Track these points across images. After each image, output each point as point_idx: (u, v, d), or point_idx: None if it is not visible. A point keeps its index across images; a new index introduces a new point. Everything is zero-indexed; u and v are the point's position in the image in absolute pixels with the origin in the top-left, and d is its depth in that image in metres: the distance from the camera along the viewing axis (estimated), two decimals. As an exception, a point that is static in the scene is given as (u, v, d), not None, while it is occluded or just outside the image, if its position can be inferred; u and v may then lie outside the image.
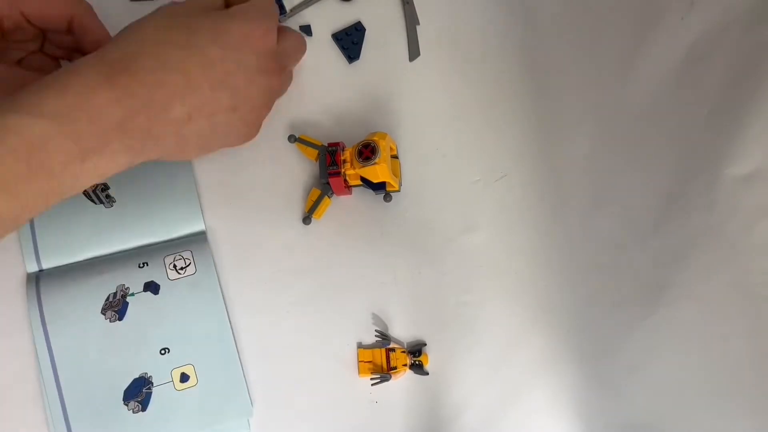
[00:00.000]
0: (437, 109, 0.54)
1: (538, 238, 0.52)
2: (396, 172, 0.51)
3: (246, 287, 0.50)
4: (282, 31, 0.46)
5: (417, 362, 0.49)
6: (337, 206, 0.51)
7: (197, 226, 0.50)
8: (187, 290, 0.48)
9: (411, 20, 0.55)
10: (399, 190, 0.52)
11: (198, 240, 0.49)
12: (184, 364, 0.47)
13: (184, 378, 0.47)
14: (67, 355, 0.46)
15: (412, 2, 0.56)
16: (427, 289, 0.51)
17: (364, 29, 0.55)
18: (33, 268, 0.48)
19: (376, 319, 0.50)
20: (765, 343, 0.46)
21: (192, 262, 0.49)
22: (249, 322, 0.49)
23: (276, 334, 0.50)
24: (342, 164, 0.48)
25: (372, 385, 0.48)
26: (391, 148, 0.50)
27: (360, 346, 0.50)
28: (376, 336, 0.50)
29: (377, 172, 0.47)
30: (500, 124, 0.54)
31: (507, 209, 0.53)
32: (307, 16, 0.55)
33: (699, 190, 0.49)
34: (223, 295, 0.49)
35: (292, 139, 0.51)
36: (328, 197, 0.50)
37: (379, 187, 0.49)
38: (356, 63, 0.54)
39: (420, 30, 0.55)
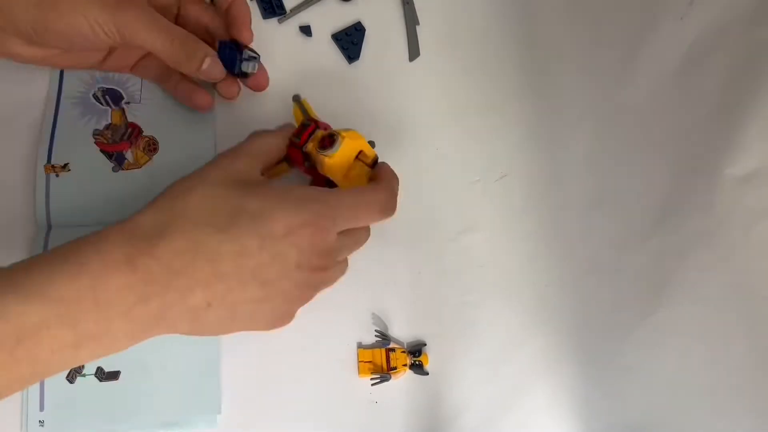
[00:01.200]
0: (437, 109, 0.54)
1: (538, 238, 0.52)
2: (355, 179, 0.46)
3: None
4: (349, 228, 0.42)
5: (417, 362, 0.49)
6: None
7: None
8: None
9: (411, 20, 0.56)
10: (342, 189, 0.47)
11: None
12: (160, 349, 0.46)
13: (157, 364, 0.46)
14: None
15: (412, 2, 0.56)
16: (427, 289, 0.51)
17: (364, 29, 0.55)
18: None
19: (376, 319, 0.50)
20: (765, 343, 0.46)
21: None
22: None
23: (275, 333, 0.49)
24: (307, 141, 0.45)
25: (372, 385, 0.48)
26: (363, 153, 0.46)
27: (360, 346, 0.50)
28: (375, 336, 0.50)
29: (325, 164, 0.44)
30: (500, 124, 0.54)
31: (507, 209, 0.53)
32: (307, 16, 0.55)
33: (699, 190, 0.49)
34: None
35: (296, 98, 0.50)
36: (287, 163, 0.47)
37: (329, 183, 0.46)
38: (356, 63, 0.54)
39: (420, 30, 0.55)
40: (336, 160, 0.44)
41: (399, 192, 0.50)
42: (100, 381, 0.45)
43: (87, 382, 0.45)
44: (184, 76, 0.50)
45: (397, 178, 0.46)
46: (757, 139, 0.48)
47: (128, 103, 0.51)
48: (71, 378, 0.45)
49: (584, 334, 0.51)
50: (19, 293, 0.31)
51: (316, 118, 0.48)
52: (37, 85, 0.51)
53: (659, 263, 0.50)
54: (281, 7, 0.54)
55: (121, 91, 0.51)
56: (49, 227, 0.47)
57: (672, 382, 0.48)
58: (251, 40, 0.49)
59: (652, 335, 0.49)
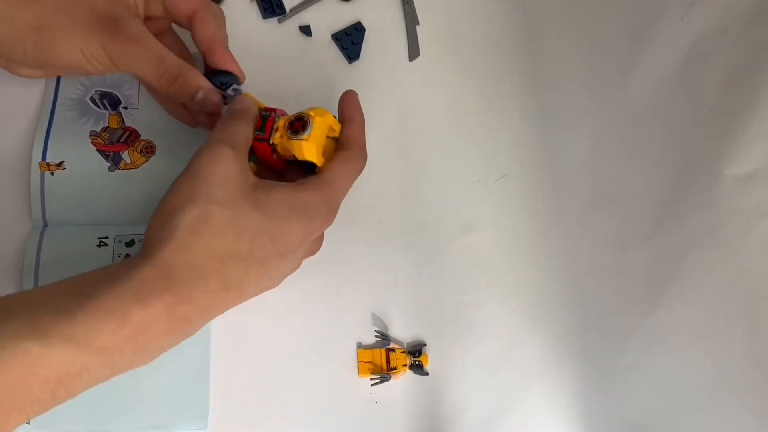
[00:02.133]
0: (437, 109, 0.54)
1: (538, 237, 0.52)
2: (328, 155, 0.44)
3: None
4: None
5: (417, 362, 0.49)
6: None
7: None
8: None
9: (411, 20, 0.56)
10: (321, 167, 0.44)
11: None
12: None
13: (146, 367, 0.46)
14: None
15: (412, 2, 0.56)
16: (427, 289, 0.51)
17: (364, 29, 0.55)
18: None
19: (376, 319, 0.50)
20: (765, 343, 0.46)
21: None
22: (246, 321, 0.49)
23: (276, 334, 0.50)
24: (272, 132, 0.43)
25: (372, 385, 0.48)
26: (331, 128, 0.44)
27: (360, 346, 0.50)
28: (375, 336, 0.50)
29: (303, 149, 0.42)
30: (500, 124, 0.54)
31: (507, 209, 0.53)
32: (307, 16, 0.55)
33: (699, 190, 0.49)
34: None
35: (235, 92, 0.46)
36: (252, 163, 0.44)
37: (308, 166, 0.44)
38: (356, 63, 0.54)
39: (420, 30, 0.55)
40: (312, 142, 0.42)
41: (398, 190, 0.50)
42: None
43: None
44: None
45: (360, 123, 0.46)
46: (757, 139, 0.48)
47: (125, 108, 0.51)
48: None
49: (584, 334, 0.51)
50: (65, 340, 0.33)
51: (268, 107, 0.45)
52: (34, 86, 0.51)
53: (659, 263, 0.50)
54: (281, 7, 0.54)
55: (118, 95, 0.51)
56: (45, 225, 0.47)
57: (672, 382, 0.48)
58: (229, 63, 0.47)
59: (652, 335, 0.49)
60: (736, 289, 0.47)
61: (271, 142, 0.43)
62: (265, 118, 0.44)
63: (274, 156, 0.44)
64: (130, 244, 0.48)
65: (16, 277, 0.47)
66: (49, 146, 0.49)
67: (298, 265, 0.45)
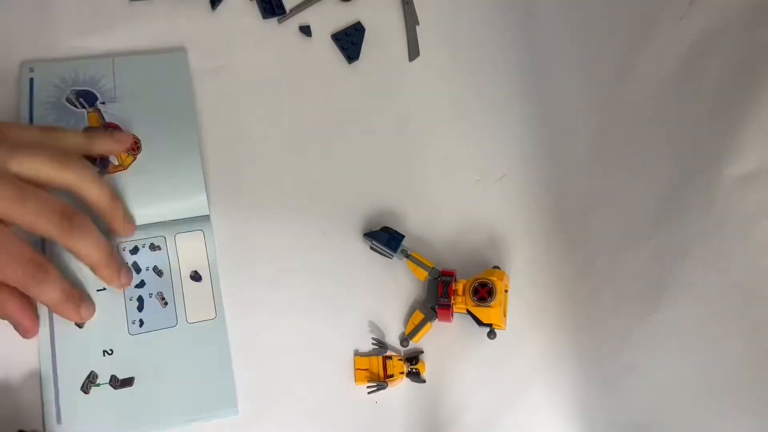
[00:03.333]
0: (437, 109, 0.54)
1: (538, 237, 0.52)
2: (505, 310, 0.48)
3: (245, 286, 0.50)
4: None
5: (414, 370, 0.49)
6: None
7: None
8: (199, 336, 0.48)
9: (411, 20, 0.56)
10: (505, 329, 0.49)
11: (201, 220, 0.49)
12: (171, 353, 0.46)
13: (169, 366, 0.46)
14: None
15: (412, 2, 0.56)
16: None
17: (364, 29, 0.55)
18: None
19: (373, 326, 0.50)
20: (765, 343, 0.46)
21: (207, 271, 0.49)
22: (245, 322, 0.49)
23: (275, 334, 0.49)
24: (453, 295, 0.47)
25: (368, 393, 0.48)
26: (505, 286, 0.48)
27: (356, 353, 0.50)
28: (372, 343, 0.50)
29: (490, 314, 0.47)
30: (500, 123, 0.54)
31: (507, 209, 0.53)
32: (307, 16, 0.55)
33: (699, 189, 0.49)
34: (220, 285, 0.49)
35: (404, 254, 0.49)
36: (431, 323, 0.49)
37: (486, 323, 0.48)
38: (356, 63, 0.54)
39: (420, 30, 0.55)
40: (498, 307, 0.46)
41: (398, 190, 0.50)
42: (115, 389, 0.45)
43: (102, 392, 0.45)
44: None
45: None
46: (757, 139, 0.48)
47: (103, 103, 0.50)
48: (86, 389, 0.45)
49: (584, 334, 0.51)
50: None
51: (445, 270, 0.49)
52: (6, 94, 0.49)
53: (659, 263, 0.50)
54: (281, 7, 0.54)
55: (94, 91, 0.50)
56: (42, 241, 0.47)
57: (672, 382, 0.48)
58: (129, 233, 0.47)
59: (652, 335, 0.49)
60: (736, 289, 0.47)
61: (454, 310, 0.48)
62: (447, 283, 0.47)
63: (450, 314, 0.48)
64: (135, 251, 0.48)
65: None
66: None
67: None
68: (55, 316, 0.45)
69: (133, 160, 0.49)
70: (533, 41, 0.55)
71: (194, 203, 0.49)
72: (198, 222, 0.49)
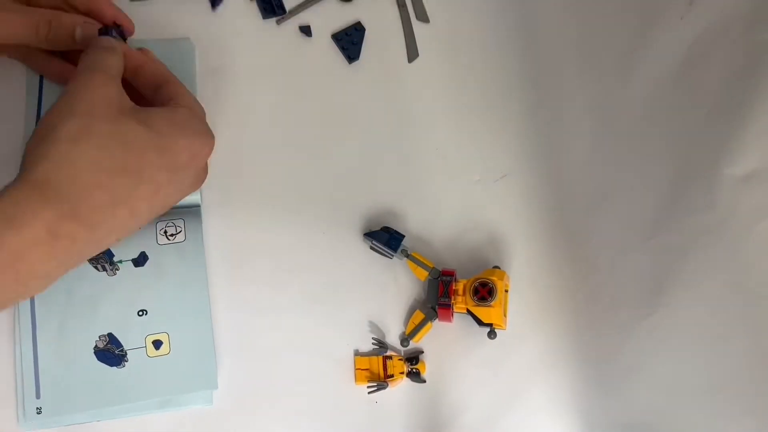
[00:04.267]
0: (437, 110, 0.54)
1: (538, 237, 0.52)
2: (505, 310, 0.48)
3: (242, 286, 0.50)
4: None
5: (414, 370, 0.49)
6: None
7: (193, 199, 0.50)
8: (173, 257, 0.48)
9: (407, 22, 0.55)
10: (505, 329, 0.49)
11: (192, 212, 0.50)
12: (159, 332, 0.47)
13: (157, 345, 0.47)
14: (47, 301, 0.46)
15: (406, 6, 0.55)
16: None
17: (364, 29, 0.55)
18: None
19: (373, 326, 0.50)
20: (765, 343, 0.46)
21: (183, 231, 0.49)
22: (244, 322, 0.49)
23: (275, 333, 0.50)
24: (453, 295, 0.48)
25: (369, 393, 0.48)
26: (506, 285, 0.49)
27: (357, 353, 0.50)
28: (373, 343, 0.50)
29: (491, 313, 0.47)
30: (500, 124, 0.54)
31: (507, 209, 0.53)
32: (307, 16, 0.55)
33: (699, 190, 0.49)
34: (206, 270, 0.49)
35: (404, 254, 0.50)
36: (431, 323, 0.49)
37: (487, 323, 0.48)
38: (356, 63, 0.54)
39: (419, 31, 0.55)
40: (498, 306, 0.47)
41: (398, 190, 0.50)
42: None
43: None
44: (49, 53, 0.46)
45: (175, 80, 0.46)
46: (757, 139, 0.48)
47: None
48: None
49: (584, 334, 0.51)
50: None
51: (445, 269, 0.49)
52: (14, 95, 0.49)
53: (660, 263, 0.50)
54: (281, 7, 0.54)
55: None
56: None
57: (672, 382, 0.48)
58: (115, 13, 0.45)
59: (652, 335, 0.49)
60: (736, 289, 0.47)
61: (454, 309, 0.48)
62: (447, 283, 0.48)
63: (450, 313, 0.48)
64: (141, 261, 0.48)
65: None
66: None
67: (186, 192, 0.45)
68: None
69: None
70: (533, 41, 0.55)
71: (188, 200, 0.49)
72: (186, 208, 0.50)
